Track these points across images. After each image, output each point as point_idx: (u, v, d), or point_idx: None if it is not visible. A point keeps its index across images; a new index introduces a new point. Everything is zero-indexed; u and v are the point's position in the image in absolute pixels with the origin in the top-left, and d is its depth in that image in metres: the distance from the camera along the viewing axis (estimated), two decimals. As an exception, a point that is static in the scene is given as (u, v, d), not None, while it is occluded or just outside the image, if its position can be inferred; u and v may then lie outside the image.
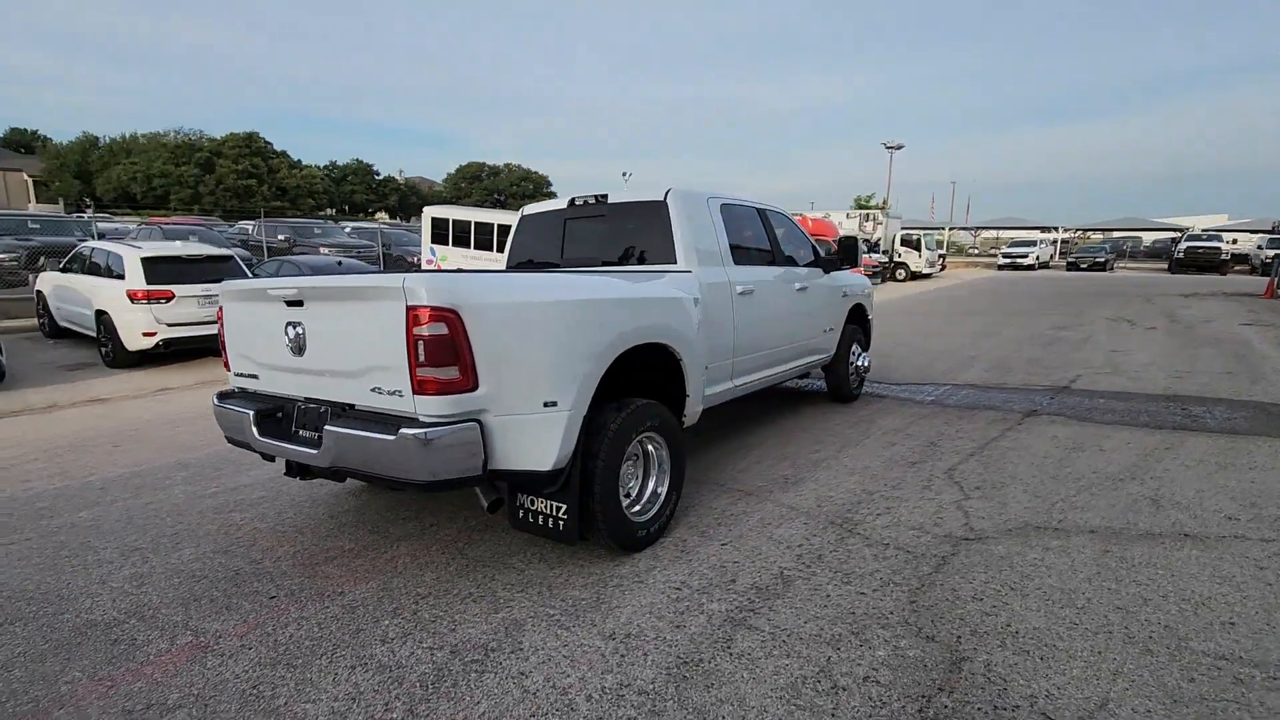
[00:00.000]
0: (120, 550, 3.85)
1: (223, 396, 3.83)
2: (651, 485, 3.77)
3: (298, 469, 3.41)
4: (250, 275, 10.40)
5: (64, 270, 10.73)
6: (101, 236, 14.83)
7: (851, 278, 6.99)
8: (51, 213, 33.82)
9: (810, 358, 6.18)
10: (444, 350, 2.82)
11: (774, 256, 5.56)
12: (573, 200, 5.15)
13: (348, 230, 23.87)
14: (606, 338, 3.31)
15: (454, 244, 17.22)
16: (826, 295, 6.30)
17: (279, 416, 3.52)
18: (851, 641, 2.76)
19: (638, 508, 3.67)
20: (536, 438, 3.09)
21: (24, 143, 65.85)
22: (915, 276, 30.41)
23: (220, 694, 2.53)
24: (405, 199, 77.41)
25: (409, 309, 2.81)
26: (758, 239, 5.48)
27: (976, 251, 57.99)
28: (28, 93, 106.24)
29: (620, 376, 3.85)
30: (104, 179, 53.00)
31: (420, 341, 2.80)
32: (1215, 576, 3.18)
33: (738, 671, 2.59)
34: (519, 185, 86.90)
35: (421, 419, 2.88)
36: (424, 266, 17.98)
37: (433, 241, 17.66)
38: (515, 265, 5.49)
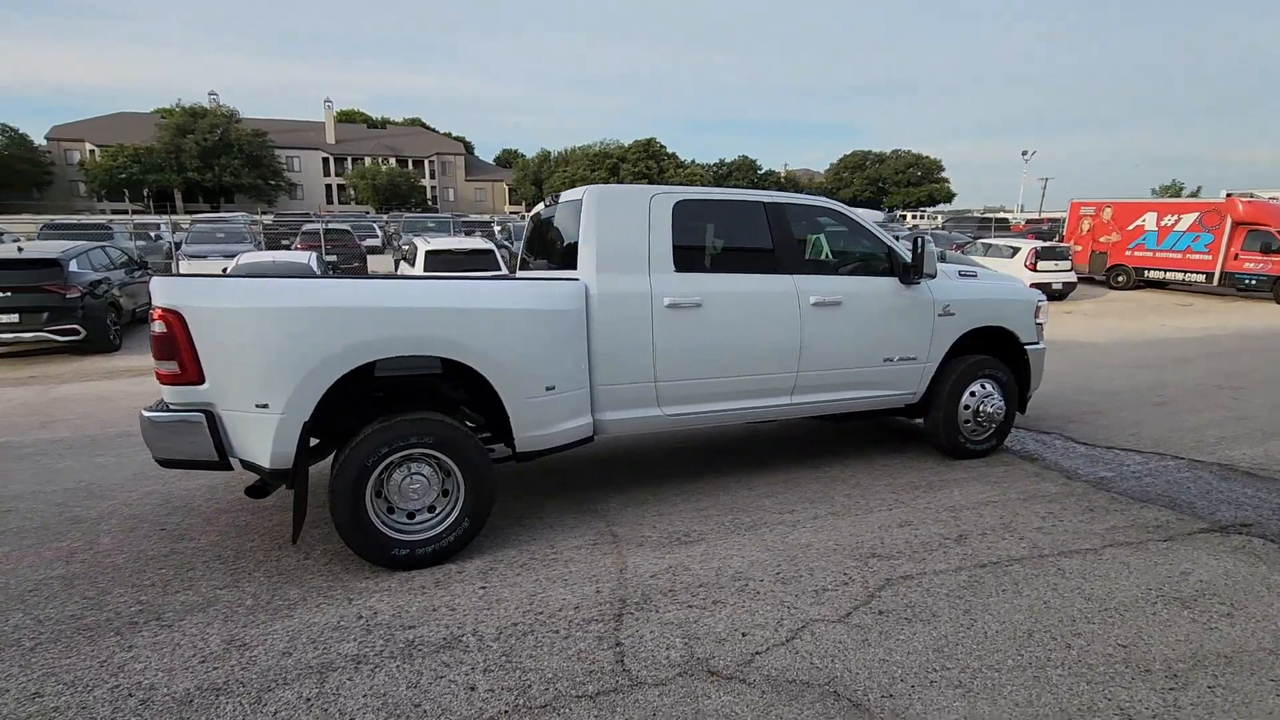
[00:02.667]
0: (179, 473, 5.20)
1: None
2: (426, 504, 3.56)
3: None
4: (502, 268, 12.31)
5: (403, 259, 14.24)
6: (470, 234, 19.12)
7: (974, 290, 5.12)
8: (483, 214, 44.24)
9: (857, 393, 4.78)
10: (166, 346, 3.19)
11: (775, 261, 4.47)
12: (544, 200, 4.98)
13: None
14: (331, 347, 3.24)
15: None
16: (894, 313, 4.78)
17: None
18: (345, 735, 2.30)
19: (404, 524, 3.52)
20: (253, 436, 3.26)
21: (508, 160, 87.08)
22: None
23: (17, 587, 3.38)
24: (783, 191, 79.56)
25: (152, 308, 3.25)
26: (745, 240, 4.49)
27: None
28: (518, 119, 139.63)
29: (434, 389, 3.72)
30: (549, 185, 67.02)
31: (152, 337, 3.23)
32: None
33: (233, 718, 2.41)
34: (905, 173, 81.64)
35: (170, 406, 3.32)
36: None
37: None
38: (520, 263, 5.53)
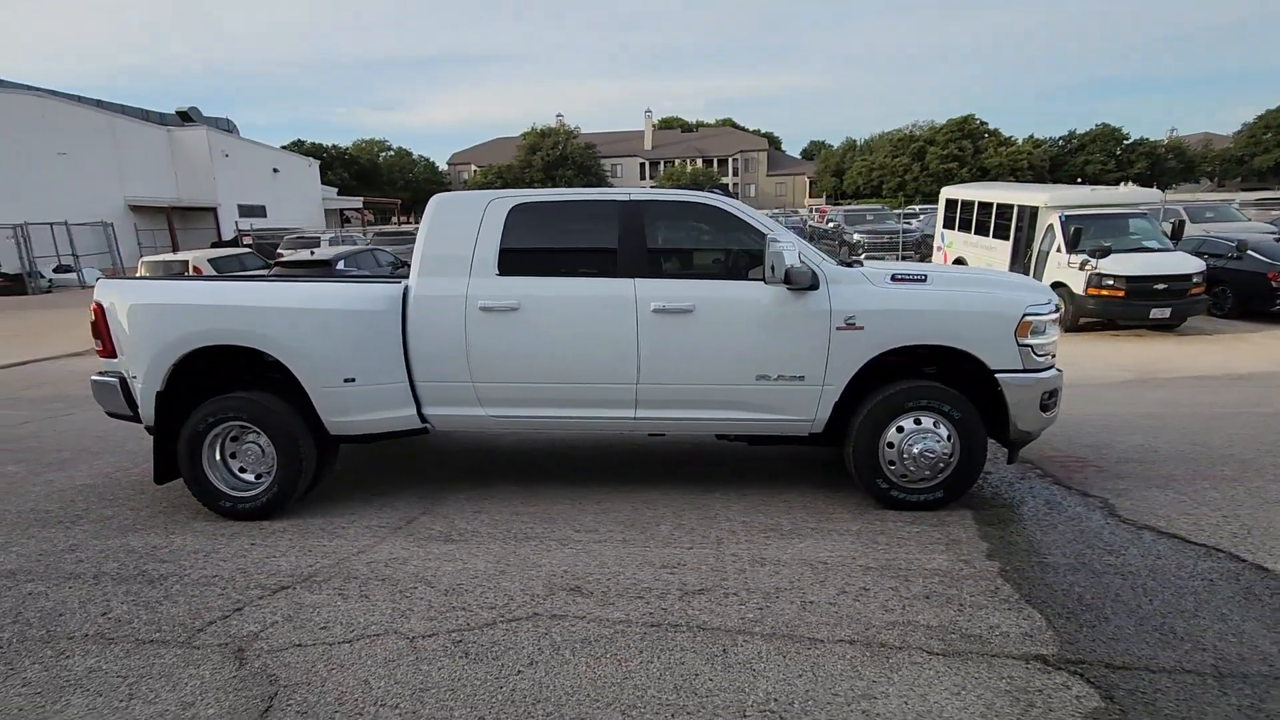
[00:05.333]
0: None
1: None
2: (267, 469, 4.24)
3: None
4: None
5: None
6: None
7: (900, 298, 4.02)
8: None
9: (724, 414, 4.18)
10: (96, 330, 4.42)
11: (615, 264, 4.16)
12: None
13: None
14: (167, 336, 4.11)
15: (960, 228, 14.97)
16: (770, 323, 4.05)
17: None
18: (-4, 621, 3.08)
19: (249, 482, 4.27)
20: (139, 400, 4.31)
21: (814, 152, 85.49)
22: None
23: (62, 486, 4.99)
24: (1160, 163, 63.63)
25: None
26: (586, 242, 4.29)
27: None
28: (837, 109, 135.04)
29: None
30: (849, 176, 64.25)
31: (91, 322, 4.50)
32: None
33: (-15, 592, 3.41)
34: (1372, 126, 58.76)
35: (105, 373, 4.57)
36: (933, 253, 16.43)
37: (944, 226, 15.74)
38: None
